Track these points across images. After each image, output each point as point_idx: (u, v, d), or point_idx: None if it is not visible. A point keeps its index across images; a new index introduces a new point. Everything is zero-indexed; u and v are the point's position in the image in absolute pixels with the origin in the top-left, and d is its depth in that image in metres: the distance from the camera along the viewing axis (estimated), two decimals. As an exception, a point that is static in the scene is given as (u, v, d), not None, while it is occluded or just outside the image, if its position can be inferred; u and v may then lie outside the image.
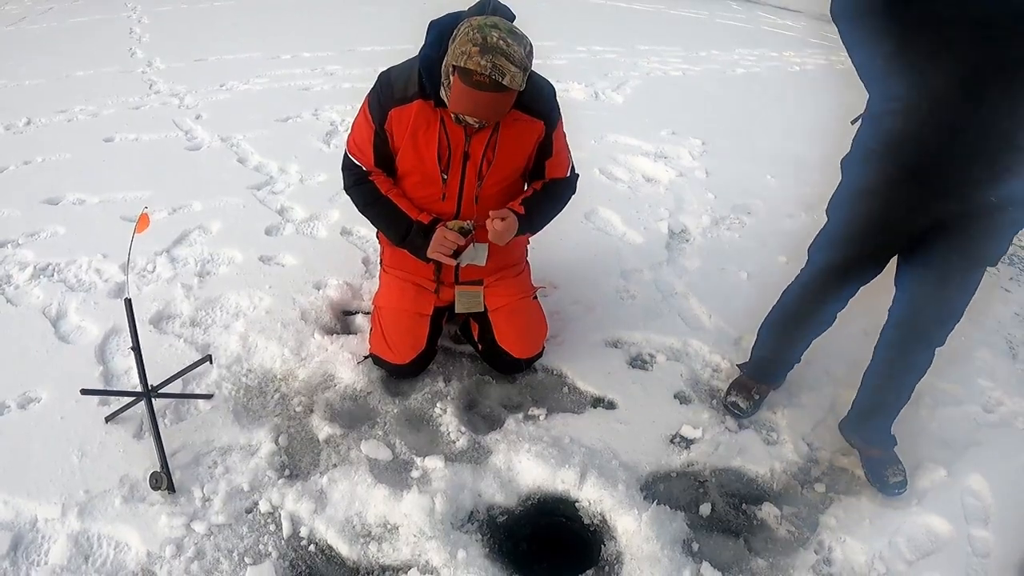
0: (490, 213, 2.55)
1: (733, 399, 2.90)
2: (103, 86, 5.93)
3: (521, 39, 2.17)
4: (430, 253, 2.59)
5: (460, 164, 2.54)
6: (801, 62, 9.76)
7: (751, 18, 13.03)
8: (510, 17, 2.34)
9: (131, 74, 6.33)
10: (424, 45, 2.36)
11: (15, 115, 5.11)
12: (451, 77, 2.21)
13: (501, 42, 2.10)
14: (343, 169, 2.72)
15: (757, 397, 2.90)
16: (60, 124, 5.08)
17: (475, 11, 2.31)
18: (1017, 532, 2.38)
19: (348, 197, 2.74)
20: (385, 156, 2.61)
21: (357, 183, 2.68)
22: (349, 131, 2.68)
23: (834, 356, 3.27)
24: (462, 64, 2.13)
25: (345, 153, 2.70)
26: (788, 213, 4.76)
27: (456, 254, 2.65)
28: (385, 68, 2.53)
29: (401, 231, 2.62)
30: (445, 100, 2.33)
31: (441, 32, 2.31)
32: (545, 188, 2.73)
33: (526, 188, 2.79)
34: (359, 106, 2.59)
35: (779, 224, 4.61)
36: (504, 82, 2.13)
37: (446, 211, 2.66)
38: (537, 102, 2.49)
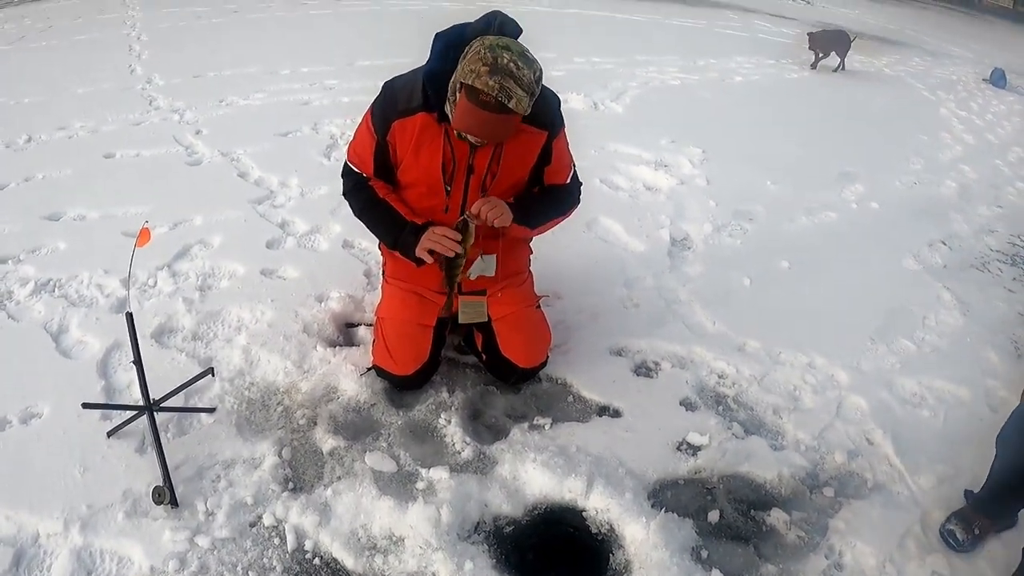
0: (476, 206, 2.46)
1: (951, 527, 2.45)
2: (103, 103, 5.92)
3: (531, 63, 2.15)
4: (419, 251, 2.50)
5: (464, 177, 2.53)
6: (799, 69, 9.79)
7: (747, 26, 13.08)
8: (516, 31, 2.32)
9: (131, 91, 6.33)
10: (430, 58, 2.35)
11: (15, 132, 5.10)
12: (458, 94, 2.20)
13: (512, 64, 2.09)
14: (342, 175, 2.72)
15: (977, 532, 2.44)
16: (60, 141, 5.08)
17: (481, 24, 2.29)
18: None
19: (346, 202, 2.73)
20: (386, 166, 2.59)
21: (355, 188, 2.68)
22: (351, 140, 2.67)
23: (839, 360, 3.27)
24: (470, 82, 2.12)
25: (345, 161, 2.69)
26: (789, 218, 4.78)
27: (454, 264, 2.58)
28: (389, 79, 2.51)
29: (395, 232, 2.58)
30: (450, 116, 2.32)
31: (447, 45, 2.30)
32: (541, 191, 2.72)
33: None
34: (358, 119, 2.58)
35: (780, 229, 4.62)
36: (510, 105, 2.11)
37: (449, 223, 2.63)
38: (542, 113, 2.46)
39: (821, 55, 9.86)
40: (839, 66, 9.98)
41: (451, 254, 2.47)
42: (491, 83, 2.08)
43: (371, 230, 2.74)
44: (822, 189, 5.36)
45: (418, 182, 2.57)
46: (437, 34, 2.35)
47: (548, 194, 2.72)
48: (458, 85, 2.19)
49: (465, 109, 2.19)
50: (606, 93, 7.24)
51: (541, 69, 2.21)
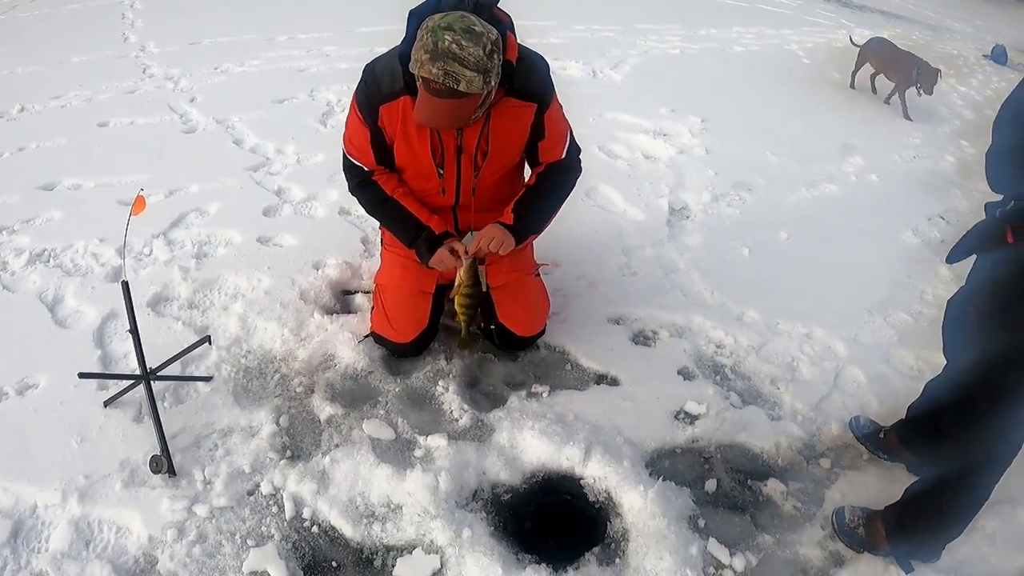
0: (475, 244, 2.51)
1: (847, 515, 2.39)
2: (97, 71, 5.85)
3: (479, 38, 2.03)
4: (432, 263, 2.56)
5: (455, 158, 2.47)
6: (799, 40, 9.68)
7: (749, -4, 12.92)
8: (493, 0, 2.25)
9: (125, 59, 6.25)
10: (405, 37, 2.24)
11: (9, 102, 5.05)
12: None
13: (454, 46, 1.99)
14: (345, 171, 2.65)
15: (862, 532, 2.37)
16: (54, 110, 5.03)
17: None
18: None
19: (354, 197, 2.69)
20: (385, 151, 2.53)
21: (361, 185, 2.62)
22: (344, 131, 2.59)
23: (837, 332, 3.27)
24: (417, 72, 2.06)
25: (344, 154, 2.61)
26: (789, 189, 4.75)
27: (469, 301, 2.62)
28: (369, 62, 2.42)
29: (410, 234, 2.57)
30: None
31: (421, 22, 2.16)
32: (539, 180, 2.64)
33: (528, 171, 2.74)
34: (354, 87, 2.50)
35: (780, 200, 4.59)
36: (460, 88, 2.04)
37: (445, 203, 2.63)
38: (529, 83, 2.38)
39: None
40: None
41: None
42: (435, 71, 2.01)
43: (386, 228, 2.71)
44: (822, 161, 5.32)
45: (410, 166, 2.53)
46: (411, 12, 2.24)
47: (547, 184, 2.63)
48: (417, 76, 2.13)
49: (421, 99, 2.13)
50: (605, 61, 7.15)
51: (494, 41, 2.08)
